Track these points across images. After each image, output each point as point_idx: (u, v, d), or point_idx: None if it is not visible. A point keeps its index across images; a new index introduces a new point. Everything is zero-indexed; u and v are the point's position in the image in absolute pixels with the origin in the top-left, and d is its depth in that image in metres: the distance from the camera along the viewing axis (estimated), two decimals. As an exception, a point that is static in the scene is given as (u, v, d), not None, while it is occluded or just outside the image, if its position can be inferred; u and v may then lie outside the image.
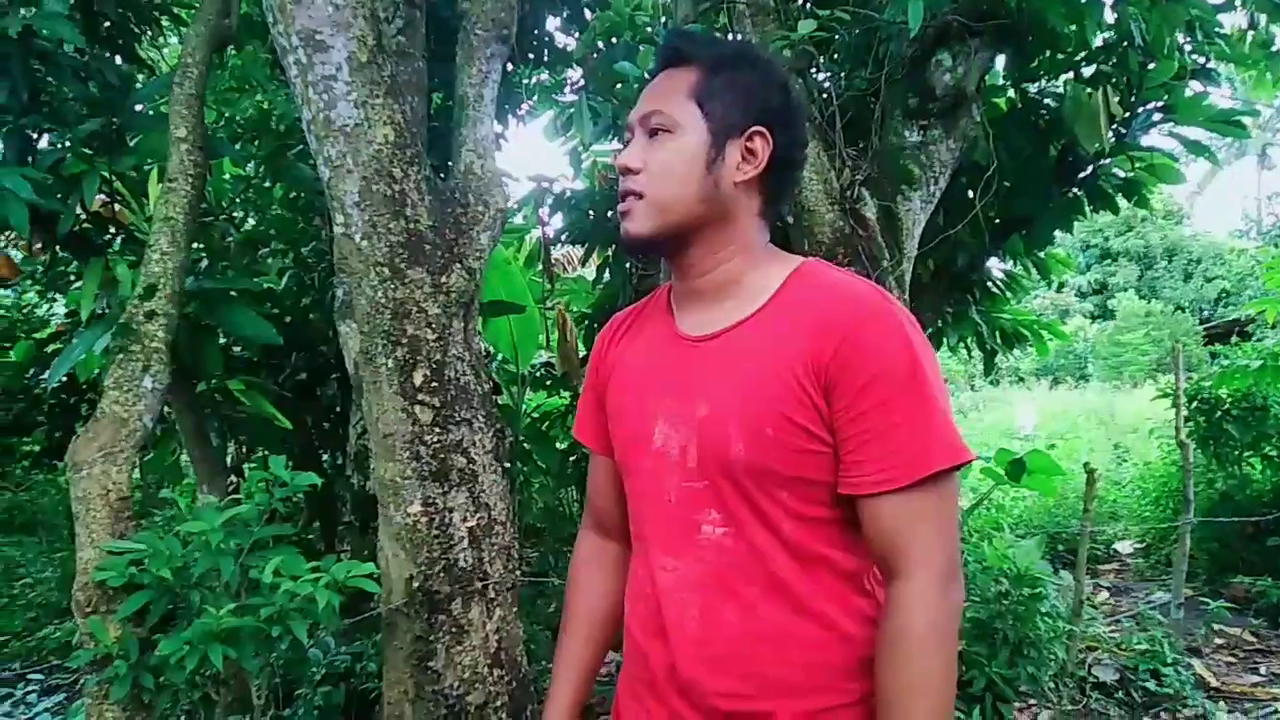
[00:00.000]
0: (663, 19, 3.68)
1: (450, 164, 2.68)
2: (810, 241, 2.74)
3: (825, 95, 3.11)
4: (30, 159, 2.67)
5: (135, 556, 1.95)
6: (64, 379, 3.70)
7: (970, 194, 3.43)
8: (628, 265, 4.63)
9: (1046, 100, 3.84)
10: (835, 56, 3.59)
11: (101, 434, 2.04)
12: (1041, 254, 4.47)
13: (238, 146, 3.72)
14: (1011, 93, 3.91)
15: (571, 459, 5.75)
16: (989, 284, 4.60)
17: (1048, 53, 3.54)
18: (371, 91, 2.25)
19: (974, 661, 3.24)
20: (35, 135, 2.77)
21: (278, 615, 1.86)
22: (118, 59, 3.21)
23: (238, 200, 4.18)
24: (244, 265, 3.67)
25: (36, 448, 4.74)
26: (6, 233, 3.88)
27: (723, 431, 1.02)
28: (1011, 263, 4.59)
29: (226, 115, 4.04)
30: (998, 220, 4.00)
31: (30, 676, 3.99)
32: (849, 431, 0.98)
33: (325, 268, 3.92)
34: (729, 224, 1.08)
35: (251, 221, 4.27)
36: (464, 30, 2.70)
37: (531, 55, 5.06)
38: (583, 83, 5.07)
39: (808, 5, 3.67)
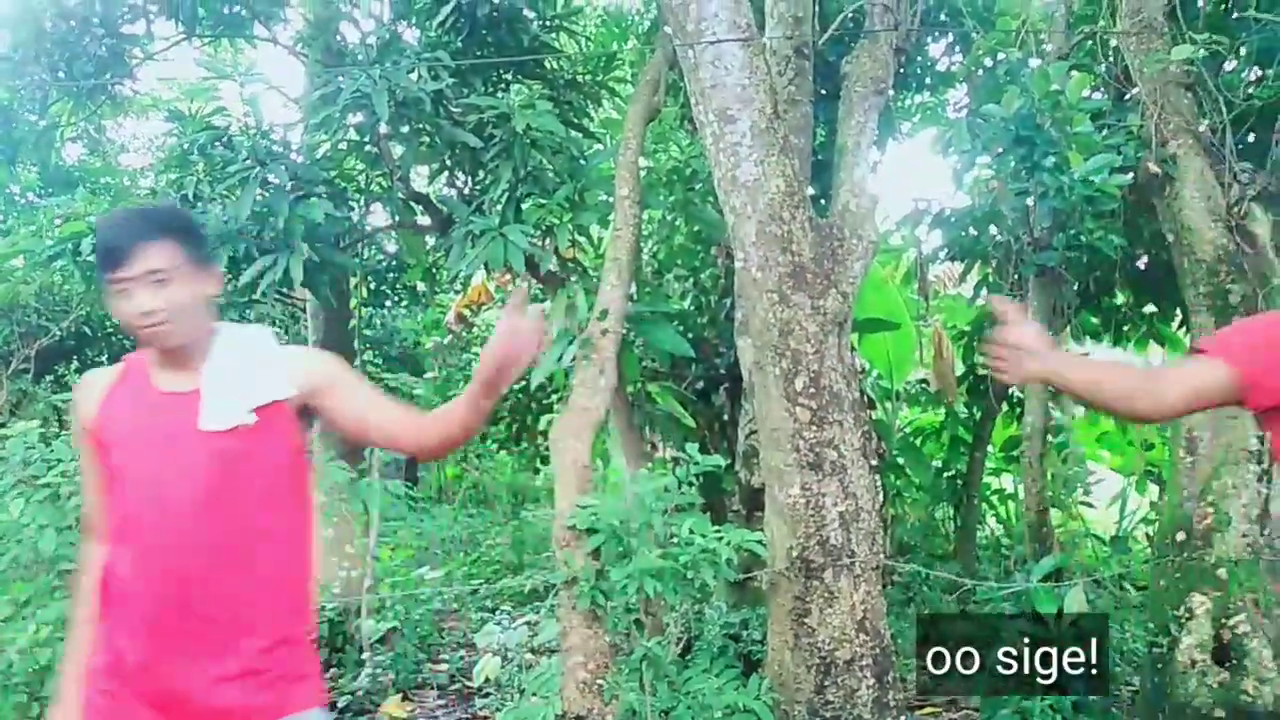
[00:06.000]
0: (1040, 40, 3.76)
1: (830, 194, 3.12)
2: (1189, 260, 2.74)
3: (1224, 105, 3.01)
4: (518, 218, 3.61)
5: (593, 510, 2.65)
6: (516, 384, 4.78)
7: None
8: (1007, 283, 4.68)
9: None
10: (1241, 53, 3.40)
11: (572, 420, 2.80)
12: None
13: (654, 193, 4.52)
14: None
15: (945, 475, 5.82)
16: None
17: None
18: (768, 151, 2.78)
19: None
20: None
21: (692, 562, 2.44)
22: (574, 133, 4.14)
23: (649, 236, 5.02)
24: (655, 289, 4.45)
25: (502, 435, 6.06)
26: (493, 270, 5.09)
27: None
28: None
29: (647, 167, 4.89)
30: None
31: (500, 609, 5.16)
32: None
33: (718, 291, 4.58)
34: None
35: (659, 253, 5.09)
36: (845, 88, 3.13)
37: (913, 81, 5.36)
38: (966, 101, 5.22)
39: (1207, 11, 3.51)
